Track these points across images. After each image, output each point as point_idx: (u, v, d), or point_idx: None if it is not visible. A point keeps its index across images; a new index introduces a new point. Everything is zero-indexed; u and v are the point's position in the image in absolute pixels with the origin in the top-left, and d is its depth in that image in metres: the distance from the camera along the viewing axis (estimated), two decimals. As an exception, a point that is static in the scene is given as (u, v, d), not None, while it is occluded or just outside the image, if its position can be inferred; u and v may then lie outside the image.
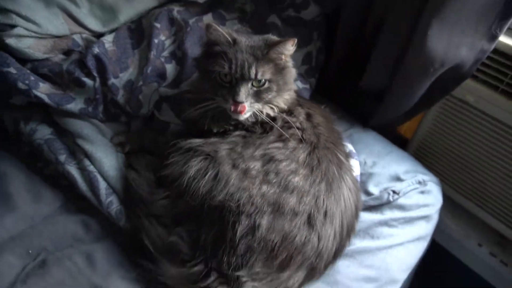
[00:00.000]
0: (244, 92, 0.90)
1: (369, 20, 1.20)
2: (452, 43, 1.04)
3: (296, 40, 0.93)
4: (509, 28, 1.06)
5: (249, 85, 0.91)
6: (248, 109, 0.91)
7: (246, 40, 0.93)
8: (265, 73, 0.91)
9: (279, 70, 0.94)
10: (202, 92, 0.97)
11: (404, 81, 1.15)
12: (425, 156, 1.46)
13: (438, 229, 1.41)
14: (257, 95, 0.92)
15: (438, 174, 1.43)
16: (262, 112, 0.95)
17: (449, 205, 1.46)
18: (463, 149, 1.33)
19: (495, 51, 1.10)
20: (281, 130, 0.93)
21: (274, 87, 0.94)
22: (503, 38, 1.09)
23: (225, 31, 0.92)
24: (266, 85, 0.93)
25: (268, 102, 0.95)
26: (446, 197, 1.44)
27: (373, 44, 1.20)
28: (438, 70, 1.09)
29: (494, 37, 1.03)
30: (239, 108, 0.90)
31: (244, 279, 0.85)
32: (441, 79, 1.15)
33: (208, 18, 1.22)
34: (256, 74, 0.90)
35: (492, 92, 1.16)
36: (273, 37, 0.96)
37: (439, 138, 1.38)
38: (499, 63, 1.13)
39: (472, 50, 1.06)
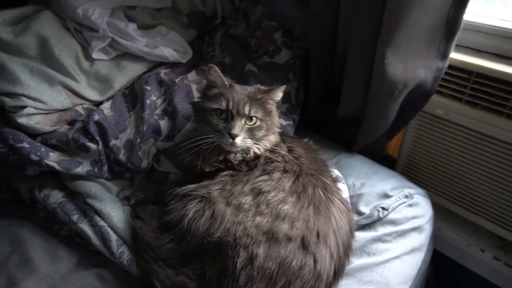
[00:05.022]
0: (239, 126, 1.03)
1: (336, 56, 1.33)
2: (409, 66, 1.15)
3: (284, 87, 1.10)
4: (458, 45, 1.18)
5: (243, 121, 1.05)
6: (241, 143, 1.03)
7: (240, 87, 1.11)
8: (257, 112, 1.06)
9: (267, 113, 1.10)
10: (198, 131, 1.09)
11: (375, 106, 1.26)
12: (414, 172, 1.54)
13: (442, 240, 1.47)
14: (250, 132, 1.06)
15: (430, 187, 1.50)
16: (250, 151, 1.07)
17: (447, 216, 1.52)
18: (445, 160, 1.40)
19: (452, 67, 1.22)
20: (264, 165, 1.04)
21: (264, 126, 1.08)
22: (455, 55, 1.21)
23: (223, 75, 1.08)
24: (258, 123, 1.07)
25: (258, 140, 1.07)
26: (443, 209, 1.51)
27: (343, 78, 1.32)
28: (402, 91, 1.20)
29: (445, 55, 1.15)
30: (234, 141, 1.02)
31: (248, 307, 0.90)
32: (409, 98, 1.26)
33: (192, 75, 1.37)
34: (250, 111, 1.04)
35: (458, 104, 1.26)
36: (262, 87, 1.13)
37: (422, 153, 1.47)
38: (458, 77, 1.23)
39: (429, 69, 1.18)
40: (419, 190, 1.27)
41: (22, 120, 1.19)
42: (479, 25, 1.21)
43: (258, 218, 0.95)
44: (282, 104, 1.40)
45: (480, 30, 1.22)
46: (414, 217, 1.18)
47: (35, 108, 1.21)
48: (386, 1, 1.04)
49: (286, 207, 0.97)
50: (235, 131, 1.02)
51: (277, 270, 0.91)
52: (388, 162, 1.57)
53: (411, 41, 1.11)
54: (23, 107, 1.19)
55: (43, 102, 1.22)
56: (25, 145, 1.18)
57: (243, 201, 0.98)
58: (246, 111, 1.04)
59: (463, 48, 1.25)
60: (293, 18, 1.51)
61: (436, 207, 1.28)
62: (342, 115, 1.38)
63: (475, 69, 1.19)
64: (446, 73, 1.21)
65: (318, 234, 0.97)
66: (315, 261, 0.95)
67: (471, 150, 1.31)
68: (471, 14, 1.21)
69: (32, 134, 1.23)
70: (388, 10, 1.05)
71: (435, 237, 1.27)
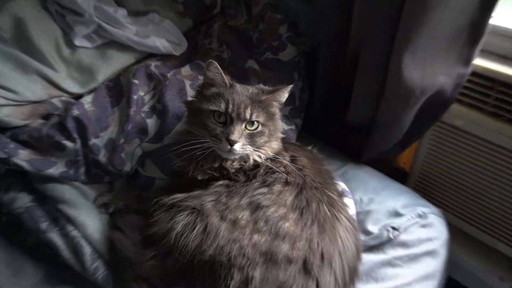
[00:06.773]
0: (238, 131, 0.92)
1: (346, 56, 1.22)
2: (428, 71, 1.05)
3: (291, 87, 0.99)
4: (483, 51, 1.08)
5: (243, 126, 0.94)
6: (240, 150, 0.93)
7: (241, 86, 0.99)
8: (259, 116, 0.95)
9: (270, 117, 0.99)
10: (191, 134, 0.97)
11: (388, 113, 1.15)
12: (428, 188, 1.43)
13: (456, 266, 1.35)
14: (250, 138, 0.95)
15: (445, 206, 1.39)
16: (250, 159, 0.96)
17: (463, 238, 1.40)
18: (464, 176, 1.30)
19: (475, 74, 1.11)
20: (264, 176, 0.93)
21: (266, 132, 0.97)
22: (479, 61, 1.10)
23: (223, 73, 0.96)
24: (259, 128, 0.96)
25: (259, 147, 0.96)
26: (459, 231, 1.39)
27: (353, 80, 1.21)
28: (419, 98, 1.09)
29: (467, 61, 1.05)
30: (232, 147, 0.91)
31: None
32: (427, 106, 1.15)
33: (186, 70, 1.24)
34: (251, 115, 0.93)
35: (479, 114, 1.16)
36: (266, 87, 1.02)
37: (437, 167, 1.36)
38: (481, 85, 1.13)
39: (449, 76, 1.07)
40: (434, 209, 1.16)
41: (-12, 112, 1.05)
42: (505, 30, 1.11)
43: (255, 236, 0.84)
44: (285, 106, 1.28)
45: (507, 34, 1.11)
46: (428, 240, 1.08)
47: (5, 98, 1.08)
48: (404, 1, 0.95)
49: (287, 224, 0.86)
50: (234, 136, 0.91)
51: (275, 296, 0.79)
52: (399, 175, 1.46)
53: (431, 45, 1.01)
54: (-9, 97, 1.06)
55: (15, 92, 1.09)
56: (-9, 139, 1.04)
57: (240, 216, 0.86)
58: (247, 115, 0.93)
59: (487, 53, 1.14)
60: (299, 11, 1.39)
61: (451, 228, 1.17)
62: (351, 120, 1.27)
63: (499, 77, 1.09)
64: (467, 80, 1.11)
65: (322, 256, 0.86)
66: (317, 287, 0.84)
67: (493, 167, 1.20)
68: (498, 18, 1.11)
69: (1, 127, 1.09)
70: (407, 11, 0.96)
71: (449, 262, 1.15)
